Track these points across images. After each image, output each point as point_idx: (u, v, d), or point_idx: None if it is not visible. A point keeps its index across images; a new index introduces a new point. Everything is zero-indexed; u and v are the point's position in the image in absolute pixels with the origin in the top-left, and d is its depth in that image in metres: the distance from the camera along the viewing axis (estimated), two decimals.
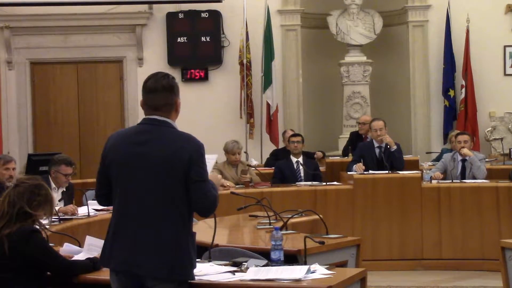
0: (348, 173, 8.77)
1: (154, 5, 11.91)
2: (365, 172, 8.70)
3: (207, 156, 3.71)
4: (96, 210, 6.60)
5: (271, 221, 5.96)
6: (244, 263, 4.11)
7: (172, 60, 11.86)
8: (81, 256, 4.35)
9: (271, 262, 4.13)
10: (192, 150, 3.59)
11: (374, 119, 9.26)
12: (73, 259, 4.30)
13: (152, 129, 3.64)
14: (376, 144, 8.98)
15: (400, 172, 8.67)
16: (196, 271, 3.73)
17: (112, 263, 3.61)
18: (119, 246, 3.58)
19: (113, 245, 3.60)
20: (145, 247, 3.52)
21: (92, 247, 4.37)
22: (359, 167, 8.67)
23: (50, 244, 4.35)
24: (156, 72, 3.79)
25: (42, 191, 4.13)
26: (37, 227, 4.12)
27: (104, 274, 4.01)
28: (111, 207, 3.75)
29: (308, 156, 9.63)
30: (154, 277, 3.52)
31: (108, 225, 3.69)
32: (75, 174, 7.37)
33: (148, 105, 3.69)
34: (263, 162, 10.92)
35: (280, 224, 5.61)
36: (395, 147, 8.86)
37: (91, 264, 4.09)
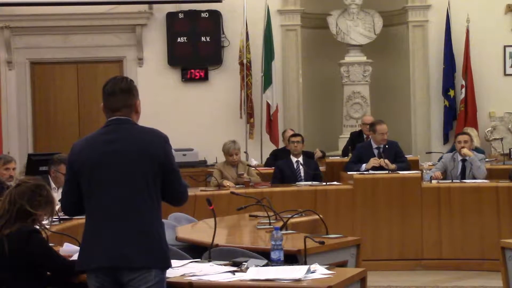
0: (348, 173, 8.77)
1: (154, 5, 11.91)
2: (365, 172, 8.71)
3: None
4: None
5: (271, 221, 5.96)
6: (244, 263, 4.11)
7: (172, 60, 11.87)
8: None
9: (271, 262, 4.13)
10: (163, 142, 3.72)
11: (378, 121, 9.19)
12: (72, 258, 4.30)
13: (117, 128, 3.75)
14: (374, 145, 8.99)
15: (400, 172, 8.67)
16: (196, 271, 3.74)
17: (95, 263, 3.65)
18: (100, 245, 3.63)
19: (93, 245, 3.66)
20: (128, 239, 3.60)
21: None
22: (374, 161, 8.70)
23: (50, 244, 4.35)
24: (115, 76, 3.90)
25: (44, 191, 4.14)
26: (37, 227, 4.12)
27: None
28: None
29: (308, 156, 9.63)
30: (140, 267, 3.58)
31: (83, 231, 3.74)
32: None
33: (108, 107, 3.79)
34: (263, 162, 10.93)
35: (280, 224, 5.61)
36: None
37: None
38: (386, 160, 8.76)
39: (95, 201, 3.68)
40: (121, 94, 3.76)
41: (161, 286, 3.66)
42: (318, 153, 10.41)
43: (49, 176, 7.05)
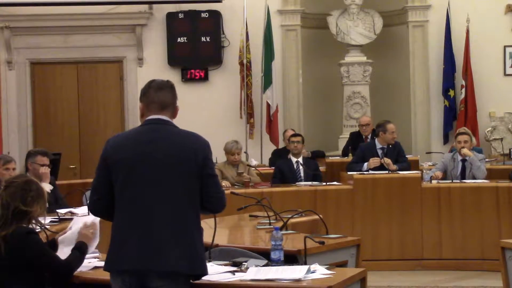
0: (348, 173, 8.77)
1: (154, 5, 11.91)
2: (365, 172, 8.71)
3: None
4: None
5: (271, 221, 5.96)
6: (244, 263, 4.11)
7: (172, 60, 11.86)
8: (65, 251, 4.26)
9: (271, 262, 4.13)
10: (205, 146, 3.69)
11: (385, 121, 9.18)
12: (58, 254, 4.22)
13: (158, 128, 3.68)
14: (378, 145, 9.00)
15: (400, 172, 8.68)
16: None
17: (124, 264, 3.58)
18: (133, 246, 3.56)
19: (123, 246, 3.58)
20: (162, 242, 3.54)
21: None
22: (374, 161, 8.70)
23: None
24: (154, 79, 3.84)
25: (33, 186, 4.10)
26: (34, 226, 4.10)
27: (103, 274, 4.01)
28: None
29: (314, 156, 9.64)
30: (171, 271, 3.52)
31: (112, 229, 3.67)
32: (51, 167, 7.30)
33: (156, 102, 3.72)
34: (263, 162, 10.94)
35: (280, 224, 5.61)
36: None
37: (79, 253, 4.08)
38: (388, 160, 8.76)
39: (129, 200, 3.60)
40: (171, 90, 3.76)
41: None
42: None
43: (27, 171, 7.02)
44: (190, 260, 3.57)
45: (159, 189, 3.59)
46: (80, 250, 4.10)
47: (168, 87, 3.74)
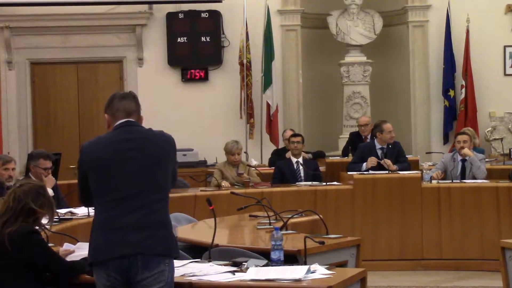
0: (348, 173, 8.77)
1: (154, 5, 11.90)
2: (365, 172, 8.71)
3: None
4: None
5: (271, 221, 5.96)
6: (244, 263, 4.12)
7: (172, 60, 11.86)
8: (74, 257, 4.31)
9: (271, 262, 4.13)
10: (173, 143, 3.92)
11: (382, 121, 9.20)
12: (73, 255, 4.29)
13: (131, 129, 3.88)
14: (378, 146, 9.00)
15: (400, 172, 8.67)
16: (196, 271, 3.74)
17: (113, 252, 3.67)
18: (117, 235, 3.68)
19: (108, 236, 3.70)
20: (146, 229, 3.69)
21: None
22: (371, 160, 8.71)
23: (50, 245, 4.35)
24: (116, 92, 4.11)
25: (46, 193, 4.21)
26: (37, 227, 4.12)
27: None
28: None
29: (317, 156, 9.64)
30: (157, 253, 3.68)
31: (93, 224, 3.82)
32: (53, 169, 7.31)
33: (122, 110, 3.92)
34: (263, 162, 10.93)
35: (280, 224, 5.62)
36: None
37: (88, 264, 4.09)
38: (388, 161, 8.76)
39: (110, 198, 3.75)
40: (133, 99, 3.98)
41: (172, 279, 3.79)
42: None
43: (29, 172, 7.03)
44: (171, 244, 3.77)
45: (140, 182, 3.76)
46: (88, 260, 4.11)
47: (131, 96, 3.99)
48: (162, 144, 3.87)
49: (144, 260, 3.65)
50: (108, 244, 3.69)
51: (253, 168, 9.24)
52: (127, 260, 3.65)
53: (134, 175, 3.75)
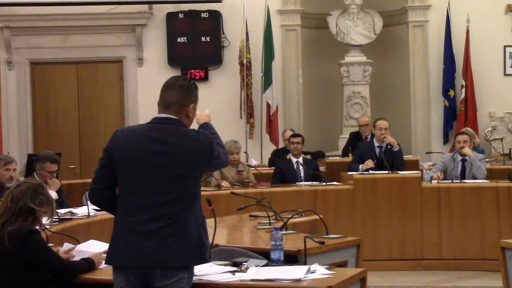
0: (349, 173, 8.77)
1: (154, 5, 11.91)
2: (365, 172, 8.71)
3: None
4: (96, 210, 6.58)
5: (271, 221, 5.96)
6: (244, 263, 4.11)
7: (172, 60, 11.86)
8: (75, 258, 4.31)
9: (271, 262, 4.13)
10: (207, 145, 3.71)
11: (379, 118, 9.23)
12: (78, 256, 4.29)
13: (163, 129, 3.64)
14: (376, 144, 8.99)
15: (400, 172, 8.67)
16: (196, 271, 3.73)
17: (131, 261, 3.56)
18: (135, 243, 3.55)
19: (127, 241, 3.57)
20: (166, 238, 3.53)
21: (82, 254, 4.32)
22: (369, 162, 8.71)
23: (50, 244, 4.34)
24: (179, 75, 3.79)
25: (44, 191, 4.19)
26: (37, 227, 4.12)
27: (103, 274, 4.01)
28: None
29: (315, 156, 9.63)
30: (175, 267, 3.52)
31: (115, 223, 3.67)
32: (58, 171, 7.32)
33: (161, 100, 3.70)
34: (263, 162, 10.93)
35: (280, 224, 5.61)
36: (397, 147, 8.88)
37: (87, 265, 4.10)
38: (391, 139, 8.72)
39: (130, 198, 3.59)
40: (180, 89, 3.68)
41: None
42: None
43: (34, 172, 7.05)
44: (193, 254, 3.59)
45: (165, 187, 3.58)
46: (88, 262, 4.11)
47: (177, 86, 3.68)
48: (194, 151, 3.61)
49: (162, 272, 3.54)
50: (126, 251, 3.56)
51: (253, 168, 9.24)
52: (145, 269, 3.55)
53: (160, 184, 3.56)
